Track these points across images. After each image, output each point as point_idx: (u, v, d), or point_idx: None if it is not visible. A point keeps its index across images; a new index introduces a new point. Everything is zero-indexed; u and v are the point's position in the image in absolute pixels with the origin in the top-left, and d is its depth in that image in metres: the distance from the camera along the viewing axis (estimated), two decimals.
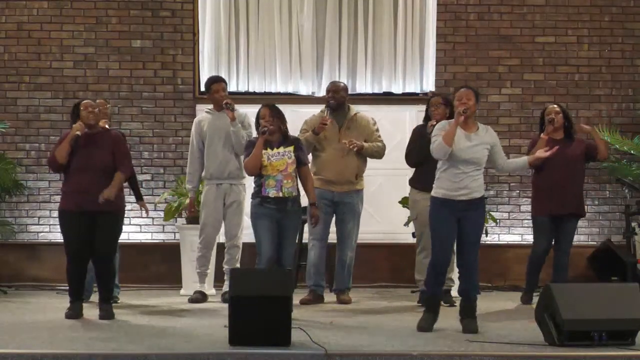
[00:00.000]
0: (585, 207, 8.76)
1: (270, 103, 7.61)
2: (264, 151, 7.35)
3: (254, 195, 7.53)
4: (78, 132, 7.19)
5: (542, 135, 8.27)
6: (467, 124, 6.67)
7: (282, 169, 7.35)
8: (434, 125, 7.88)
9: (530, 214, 8.76)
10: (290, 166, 7.39)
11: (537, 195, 8.44)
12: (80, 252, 7.24)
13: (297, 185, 7.50)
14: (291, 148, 7.43)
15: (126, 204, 7.67)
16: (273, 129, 7.37)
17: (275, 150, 7.37)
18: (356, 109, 8.53)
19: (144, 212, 8.41)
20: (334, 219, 8.46)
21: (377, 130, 8.52)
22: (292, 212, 7.48)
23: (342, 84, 8.63)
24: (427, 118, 8.20)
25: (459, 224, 6.63)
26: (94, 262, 7.36)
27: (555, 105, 8.47)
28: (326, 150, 8.33)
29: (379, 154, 8.48)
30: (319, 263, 8.38)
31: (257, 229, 7.44)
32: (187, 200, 8.81)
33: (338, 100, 8.40)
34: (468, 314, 6.68)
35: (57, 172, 7.46)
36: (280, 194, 7.35)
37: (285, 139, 7.46)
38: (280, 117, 7.45)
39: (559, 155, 8.16)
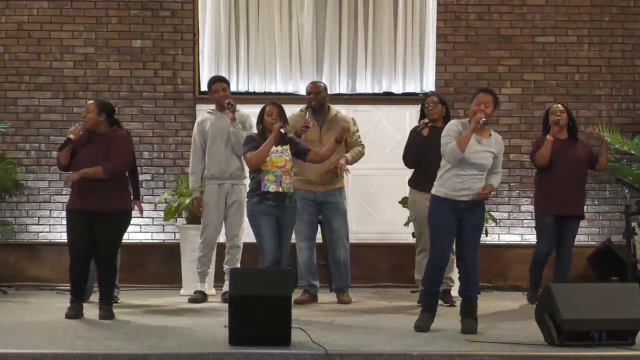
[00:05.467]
0: (585, 207, 8.75)
1: (277, 102, 7.76)
2: None
3: (250, 194, 7.60)
4: (71, 136, 7.21)
5: (547, 136, 8.23)
6: (481, 129, 6.64)
7: (281, 166, 7.47)
8: (426, 123, 7.89)
9: (531, 213, 8.71)
10: (288, 163, 7.52)
11: (542, 195, 8.37)
12: (83, 252, 7.24)
13: (293, 183, 7.62)
14: (287, 147, 7.54)
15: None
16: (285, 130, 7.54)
17: (274, 147, 7.46)
18: (336, 109, 8.53)
19: (138, 211, 8.36)
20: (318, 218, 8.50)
21: (357, 130, 8.52)
22: (290, 209, 7.63)
23: (322, 85, 8.57)
24: (423, 116, 8.21)
25: (459, 225, 6.63)
26: (96, 262, 7.36)
27: (560, 105, 8.46)
28: None
29: (360, 157, 8.51)
30: (309, 263, 8.38)
31: (258, 228, 7.50)
32: (188, 200, 8.84)
33: (319, 102, 8.38)
34: (468, 315, 6.67)
35: (65, 172, 7.55)
36: (280, 189, 7.46)
37: (283, 139, 7.55)
38: (284, 118, 7.64)
39: (565, 154, 8.19)
